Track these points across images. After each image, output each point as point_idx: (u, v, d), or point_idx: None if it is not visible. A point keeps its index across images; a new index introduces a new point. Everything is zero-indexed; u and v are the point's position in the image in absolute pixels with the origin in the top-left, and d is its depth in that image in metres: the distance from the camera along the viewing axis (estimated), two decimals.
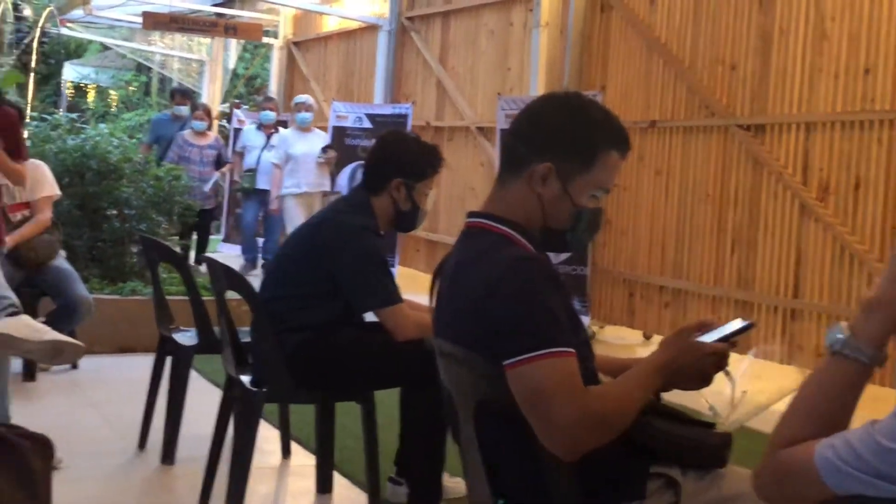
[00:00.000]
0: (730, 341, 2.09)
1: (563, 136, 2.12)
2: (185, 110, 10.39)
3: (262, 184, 9.93)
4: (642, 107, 7.60)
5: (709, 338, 2.10)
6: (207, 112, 10.35)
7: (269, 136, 10.14)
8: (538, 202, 2.13)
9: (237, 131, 11.39)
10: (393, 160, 3.62)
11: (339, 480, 3.94)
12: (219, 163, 10.15)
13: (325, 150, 9.18)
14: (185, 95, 10.96)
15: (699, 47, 7.20)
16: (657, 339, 7.51)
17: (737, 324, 2.12)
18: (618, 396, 1.96)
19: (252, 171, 10.09)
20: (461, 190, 9.81)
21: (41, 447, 1.77)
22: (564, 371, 1.90)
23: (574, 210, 2.12)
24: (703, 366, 2.06)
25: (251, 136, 10.36)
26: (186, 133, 10.01)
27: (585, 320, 7.26)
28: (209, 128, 10.19)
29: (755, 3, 6.76)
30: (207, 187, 9.89)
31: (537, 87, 8.16)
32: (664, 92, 7.46)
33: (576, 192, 2.11)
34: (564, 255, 7.73)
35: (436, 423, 3.35)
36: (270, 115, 10.35)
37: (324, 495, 3.85)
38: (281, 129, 10.11)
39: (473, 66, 9.88)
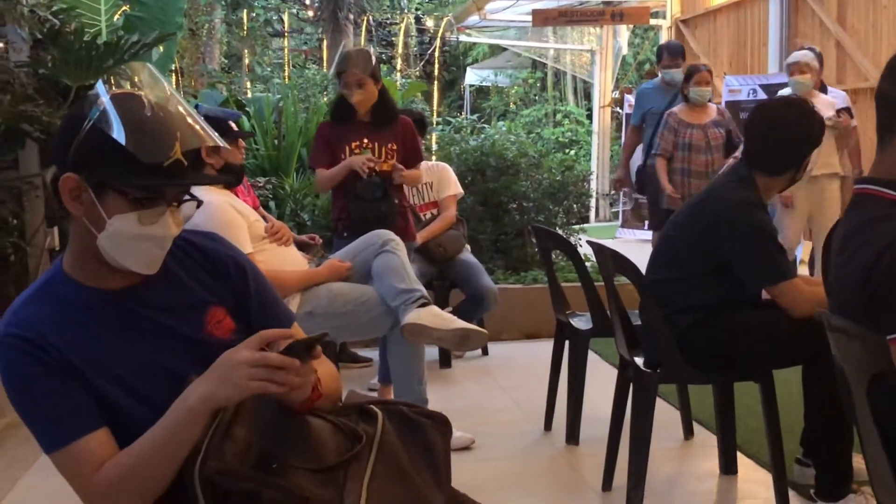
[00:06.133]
0: None
1: None
2: (677, 75, 7.20)
3: None
4: None
5: None
6: (711, 73, 6.90)
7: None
8: None
9: (627, 116, 10.95)
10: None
11: (743, 461, 3.88)
12: (730, 144, 6.72)
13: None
14: (676, 54, 7.47)
15: None
16: None
17: None
18: None
19: None
20: (870, 152, 9.15)
21: (441, 425, 1.90)
22: None
23: None
24: None
25: None
26: (678, 109, 6.81)
27: None
28: (711, 97, 6.93)
29: None
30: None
31: None
32: None
33: None
34: None
35: (840, 401, 3.18)
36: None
37: (728, 476, 3.80)
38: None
39: (875, 21, 9.20)
